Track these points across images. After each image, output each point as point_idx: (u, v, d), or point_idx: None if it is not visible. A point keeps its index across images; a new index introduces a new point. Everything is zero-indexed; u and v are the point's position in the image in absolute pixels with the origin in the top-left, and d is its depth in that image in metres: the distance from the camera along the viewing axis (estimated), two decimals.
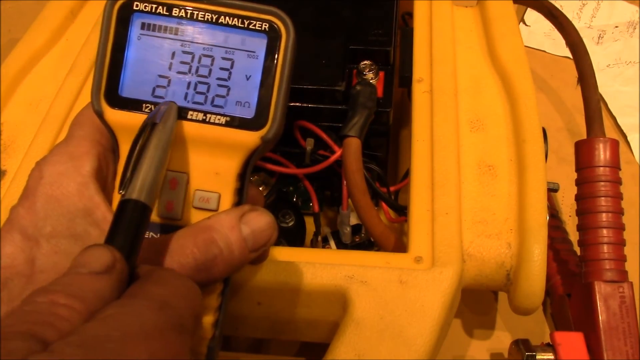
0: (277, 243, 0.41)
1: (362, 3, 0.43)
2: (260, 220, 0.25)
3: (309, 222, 0.44)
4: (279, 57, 0.26)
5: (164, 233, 0.26)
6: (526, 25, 0.66)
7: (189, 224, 0.26)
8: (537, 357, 0.37)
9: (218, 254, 0.24)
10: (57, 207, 0.24)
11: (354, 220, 0.42)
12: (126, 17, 0.26)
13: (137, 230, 0.22)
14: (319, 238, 0.42)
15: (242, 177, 0.26)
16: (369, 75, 0.39)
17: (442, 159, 0.38)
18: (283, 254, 0.34)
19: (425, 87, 0.41)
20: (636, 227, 0.49)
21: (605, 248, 0.39)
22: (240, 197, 0.27)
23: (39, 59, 0.46)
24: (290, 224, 0.43)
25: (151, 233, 0.26)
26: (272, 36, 0.26)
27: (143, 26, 0.26)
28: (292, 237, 0.43)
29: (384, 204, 0.42)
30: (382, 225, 0.38)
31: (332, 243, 0.43)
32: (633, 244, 0.47)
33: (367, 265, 0.33)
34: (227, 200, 0.26)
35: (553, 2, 0.51)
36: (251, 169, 0.27)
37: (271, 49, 0.26)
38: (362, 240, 0.43)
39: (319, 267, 0.33)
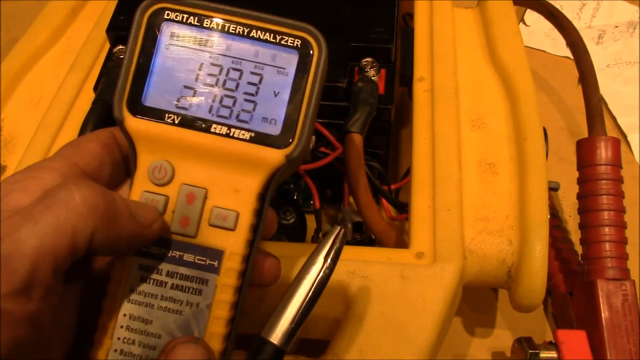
0: (278, 239, 0.42)
1: (363, 1, 0.43)
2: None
3: (310, 220, 0.43)
4: (310, 75, 0.25)
5: (176, 251, 0.25)
6: (526, 25, 0.66)
7: (204, 242, 0.25)
8: (540, 355, 0.37)
9: None
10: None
11: (355, 217, 0.42)
12: (156, 25, 0.25)
13: None
14: (320, 235, 0.42)
15: (263, 197, 0.26)
16: (371, 73, 0.39)
17: (443, 156, 0.38)
18: (284, 250, 0.34)
19: (426, 85, 0.42)
20: (636, 227, 0.49)
21: (607, 246, 0.38)
22: (259, 220, 0.26)
23: (40, 56, 0.46)
24: (291, 221, 0.42)
25: (162, 249, 0.25)
26: (304, 53, 0.25)
27: (172, 35, 0.25)
28: (293, 234, 0.42)
29: (384, 202, 0.42)
30: (384, 222, 0.38)
31: None
32: (633, 244, 0.47)
33: (368, 260, 0.33)
34: (245, 221, 0.25)
35: (553, 2, 0.51)
36: (273, 191, 0.26)
37: (302, 66, 0.25)
38: (363, 238, 0.43)
39: None
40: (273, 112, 0.25)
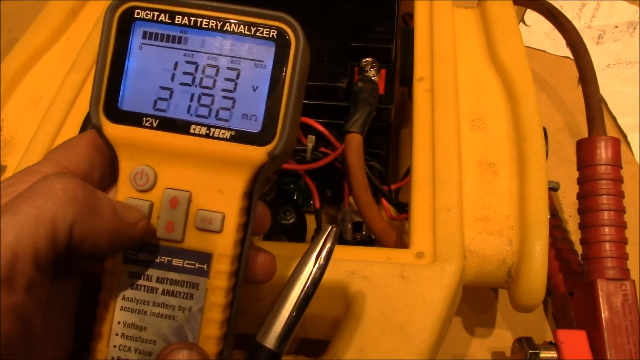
0: (278, 239, 0.42)
1: (363, 1, 0.43)
2: None
3: (310, 220, 0.43)
4: (288, 67, 0.24)
5: (164, 256, 0.25)
6: (526, 25, 0.66)
7: (191, 246, 0.25)
8: (540, 355, 0.37)
9: None
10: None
11: (355, 217, 0.42)
12: (127, 25, 0.24)
13: None
14: (314, 233, 0.42)
15: (250, 195, 0.25)
16: (371, 72, 0.39)
17: (443, 156, 0.38)
18: (284, 250, 0.34)
19: (426, 85, 0.41)
20: (636, 227, 0.49)
21: (607, 246, 0.38)
22: (248, 217, 0.25)
23: (40, 56, 0.46)
24: (291, 221, 0.42)
25: (150, 256, 0.25)
26: (281, 44, 0.24)
27: (145, 35, 0.24)
28: (293, 234, 0.42)
29: (384, 202, 0.42)
30: (384, 222, 0.38)
31: None
32: (633, 244, 0.47)
33: (368, 260, 0.33)
34: (232, 221, 0.24)
35: (553, 2, 0.51)
36: (260, 187, 0.25)
37: (280, 58, 0.24)
38: (363, 238, 0.43)
39: None
40: (253, 108, 0.24)
